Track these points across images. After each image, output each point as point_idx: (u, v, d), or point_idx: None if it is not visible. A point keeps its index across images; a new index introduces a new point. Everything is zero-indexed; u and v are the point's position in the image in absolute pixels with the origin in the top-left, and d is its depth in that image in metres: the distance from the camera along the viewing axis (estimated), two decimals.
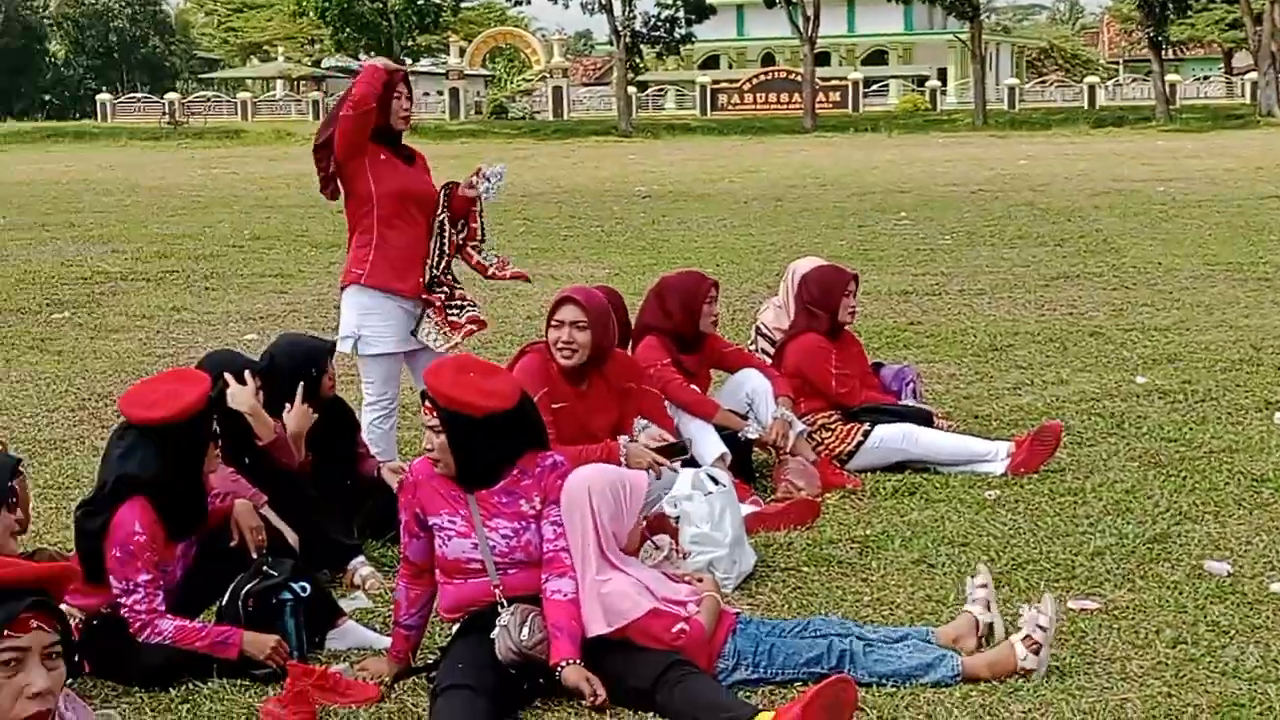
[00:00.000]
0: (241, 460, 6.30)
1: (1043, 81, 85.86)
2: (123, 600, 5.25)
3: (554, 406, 6.21)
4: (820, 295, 7.86)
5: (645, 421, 6.52)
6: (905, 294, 14.10)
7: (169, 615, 5.27)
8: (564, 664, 4.84)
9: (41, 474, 7.73)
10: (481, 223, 7.33)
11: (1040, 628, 4.99)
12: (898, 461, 7.72)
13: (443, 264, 7.22)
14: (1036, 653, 4.97)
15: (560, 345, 6.27)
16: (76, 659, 4.85)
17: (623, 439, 6.10)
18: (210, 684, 5.14)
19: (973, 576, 5.45)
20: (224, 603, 5.33)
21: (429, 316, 7.22)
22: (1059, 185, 28.39)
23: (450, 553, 5.03)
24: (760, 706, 4.66)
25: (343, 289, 7.33)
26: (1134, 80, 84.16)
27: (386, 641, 5.36)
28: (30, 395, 9.84)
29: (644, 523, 5.10)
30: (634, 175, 34.95)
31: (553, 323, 6.31)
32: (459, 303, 7.27)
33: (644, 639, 4.88)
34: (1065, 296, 13.80)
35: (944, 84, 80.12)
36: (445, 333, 7.22)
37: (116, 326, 12.74)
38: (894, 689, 4.89)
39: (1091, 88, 73.61)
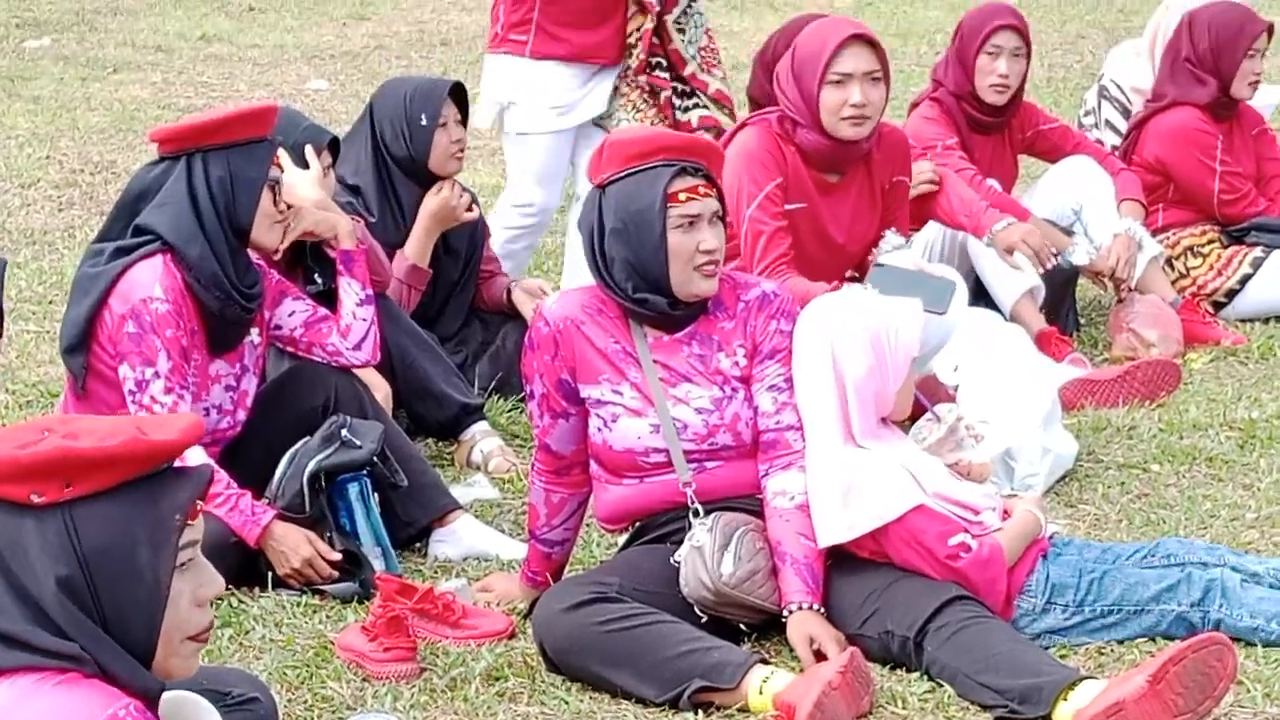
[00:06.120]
0: (309, 275, 6.37)
1: None
2: (134, 396, 5.26)
3: (789, 208, 6.14)
4: (1210, 50, 7.67)
5: (893, 234, 6.46)
6: None
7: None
8: (792, 609, 4.84)
9: (14, 281, 7.87)
10: None
11: None
12: None
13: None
14: None
15: (849, 110, 6.05)
16: None
17: None
18: (262, 599, 5.30)
19: None
20: (285, 474, 5.40)
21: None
22: None
23: (617, 440, 5.00)
24: (1081, 671, 4.68)
25: None
26: None
27: (519, 550, 5.44)
28: None
29: (914, 385, 5.11)
30: None
31: (831, 78, 6.04)
32: None
33: (906, 552, 4.88)
34: None
35: None
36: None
37: (119, 63, 12.97)
38: None
39: None
